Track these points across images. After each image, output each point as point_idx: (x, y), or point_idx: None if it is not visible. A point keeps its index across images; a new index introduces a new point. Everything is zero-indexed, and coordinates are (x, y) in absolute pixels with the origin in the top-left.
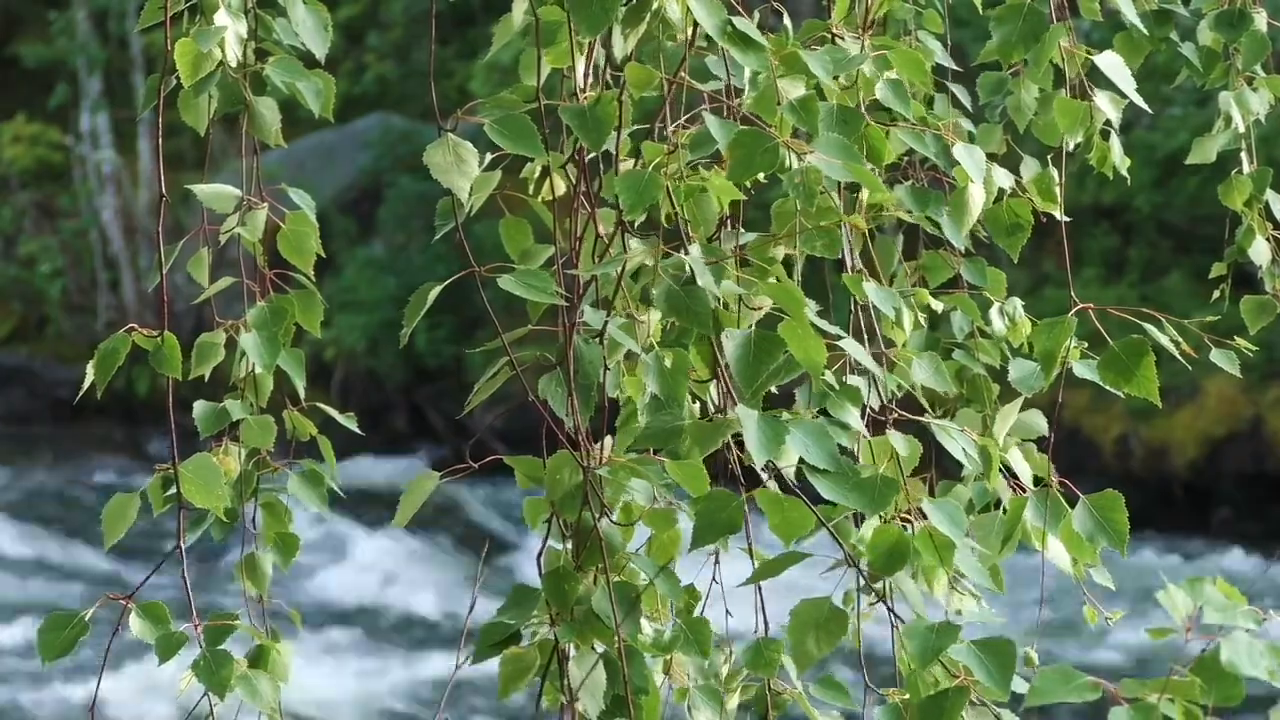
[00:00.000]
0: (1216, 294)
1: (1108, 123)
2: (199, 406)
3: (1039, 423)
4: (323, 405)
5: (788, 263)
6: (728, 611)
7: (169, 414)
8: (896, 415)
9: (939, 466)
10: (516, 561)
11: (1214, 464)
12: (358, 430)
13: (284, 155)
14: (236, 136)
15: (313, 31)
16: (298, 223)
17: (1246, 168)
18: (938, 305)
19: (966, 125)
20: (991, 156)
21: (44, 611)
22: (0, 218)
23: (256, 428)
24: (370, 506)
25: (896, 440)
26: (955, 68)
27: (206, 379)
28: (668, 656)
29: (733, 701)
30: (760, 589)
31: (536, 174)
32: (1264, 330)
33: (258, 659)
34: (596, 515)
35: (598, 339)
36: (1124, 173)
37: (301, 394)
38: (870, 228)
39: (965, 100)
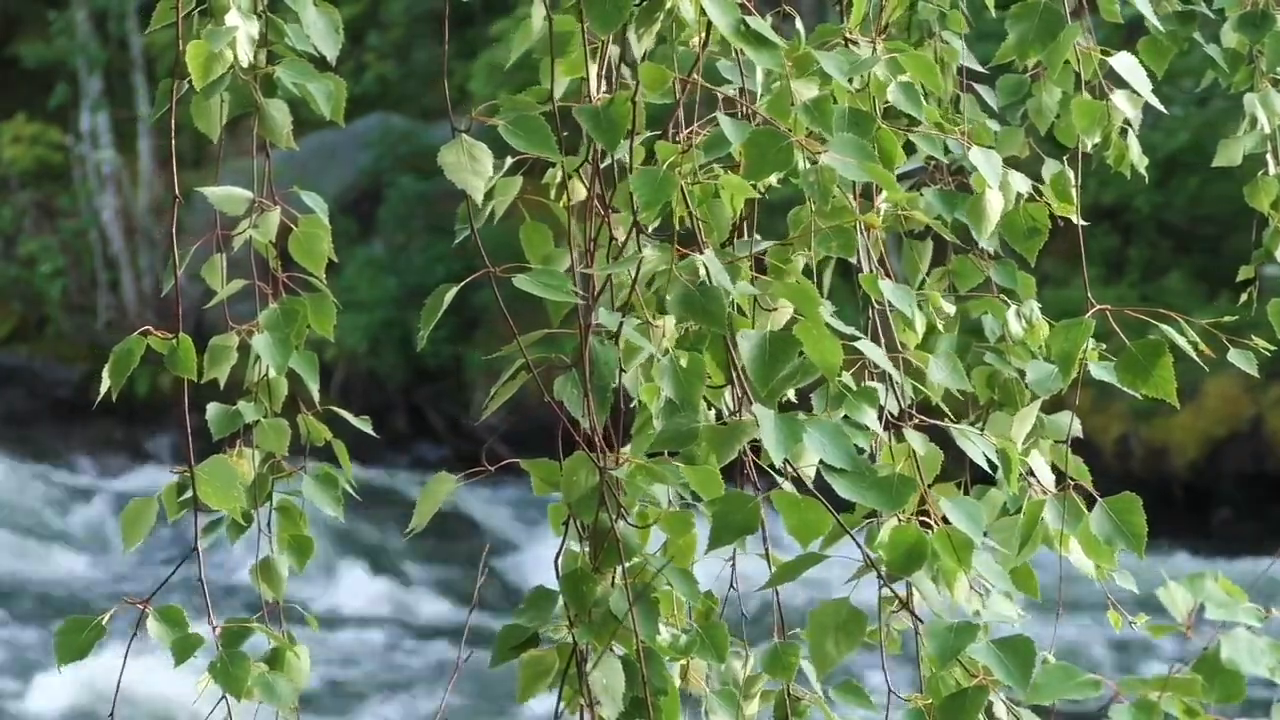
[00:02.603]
0: (1244, 297)
1: (1126, 121)
2: (212, 409)
3: (1066, 423)
4: (337, 409)
5: (808, 271)
6: (744, 615)
7: (170, 415)
8: (918, 420)
9: (973, 470)
10: (517, 562)
11: (1214, 464)
12: (372, 433)
13: (284, 155)
14: (237, 137)
15: (324, 33)
16: (310, 225)
17: (1272, 169)
18: (949, 308)
19: (994, 126)
20: (1015, 160)
21: (44, 612)
22: (0, 218)
23: (270, 431)
24: (369, 506)
25: (914, 440)
26: (981, 69)
27: (221, 384)
28: (684, 661)
29: (752, 707)
30: (777, 592)
31: (558, 179)
32: (1264, 331)
33: (274, 661)
34: (614, 517)
35: (612, 340)
36: (1142, 171)
37: (315, 397)
38: (899, 232)
39: (991, 101)
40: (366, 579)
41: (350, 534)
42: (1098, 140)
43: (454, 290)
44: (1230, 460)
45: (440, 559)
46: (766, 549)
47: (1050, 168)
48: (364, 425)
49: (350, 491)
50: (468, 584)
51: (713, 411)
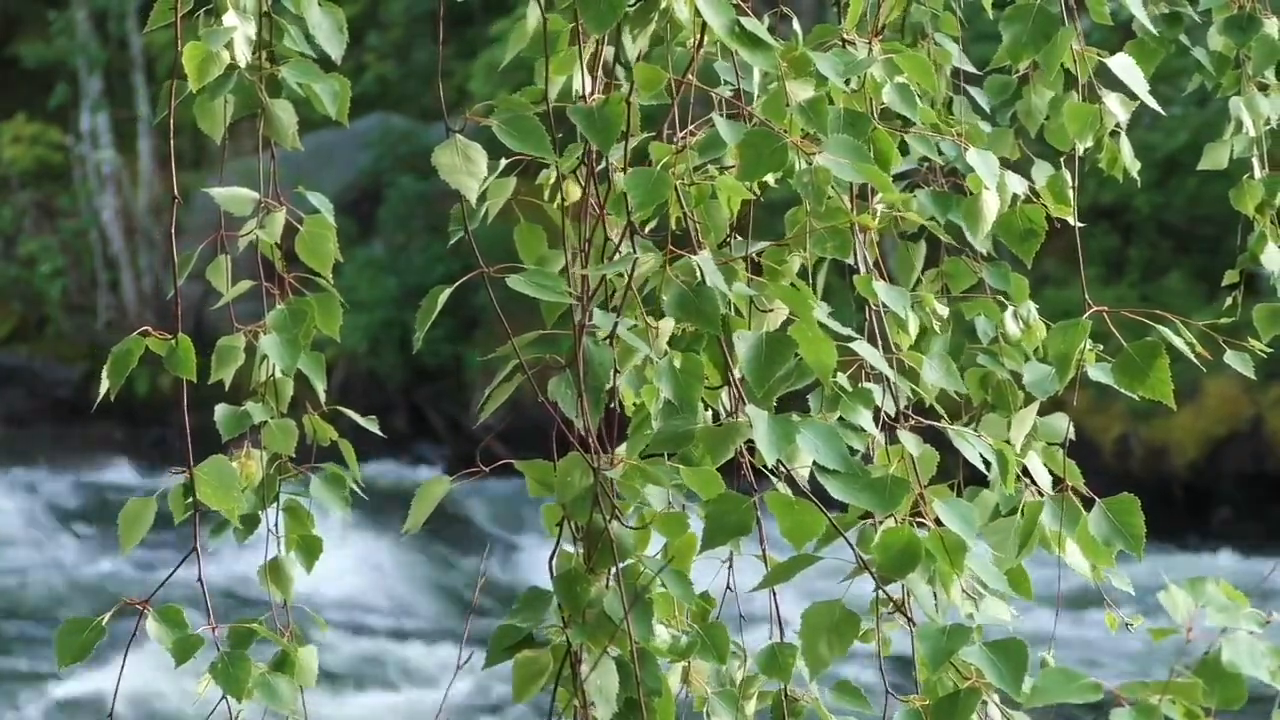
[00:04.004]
0: (1229, 301)
1: (1117, 124)
2: (220, 410)
3: (1062, 425)
4: (344, 409)
5: (803, 272)
6: (741, 616)
7: (169, 414)
8: (914, 422)
9: (967, 471)
10: (516, 561)
11: (1214, 464)
12: (379, 433)
13: (284, 156)
14: (237, 137)
15: (329, 34)
16: (316, 225)
17: (1258, 173)
18: (943, 310)
19: (986, 128)
20: (1005, 162)
21: (45, 612)
22: (0, 218)
23: (278, 432)
24: (369, 506)
25: (908, 441)
26: (974, 70)
27: (225, 384)
28: (685, 663)
29: (749, 707)
30: (774, 592)
31: (551, 180)
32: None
33: (280, 663)
34: (607, 517)
35: (607, 341)
36: (1134, 174)
37: (322, 398)
38: (892, 233)
39: (983, 103)
40: (365, 579)
41: (350, 534)
42: (1090, 143)
43: (448, 292)
44: (1230, 460)
45: (440, 558)
46: (764, 549)
47: (1040, 169)
48: (370, 425)
49: (358, 491)
50: (467, 584)
51: (709, 412)
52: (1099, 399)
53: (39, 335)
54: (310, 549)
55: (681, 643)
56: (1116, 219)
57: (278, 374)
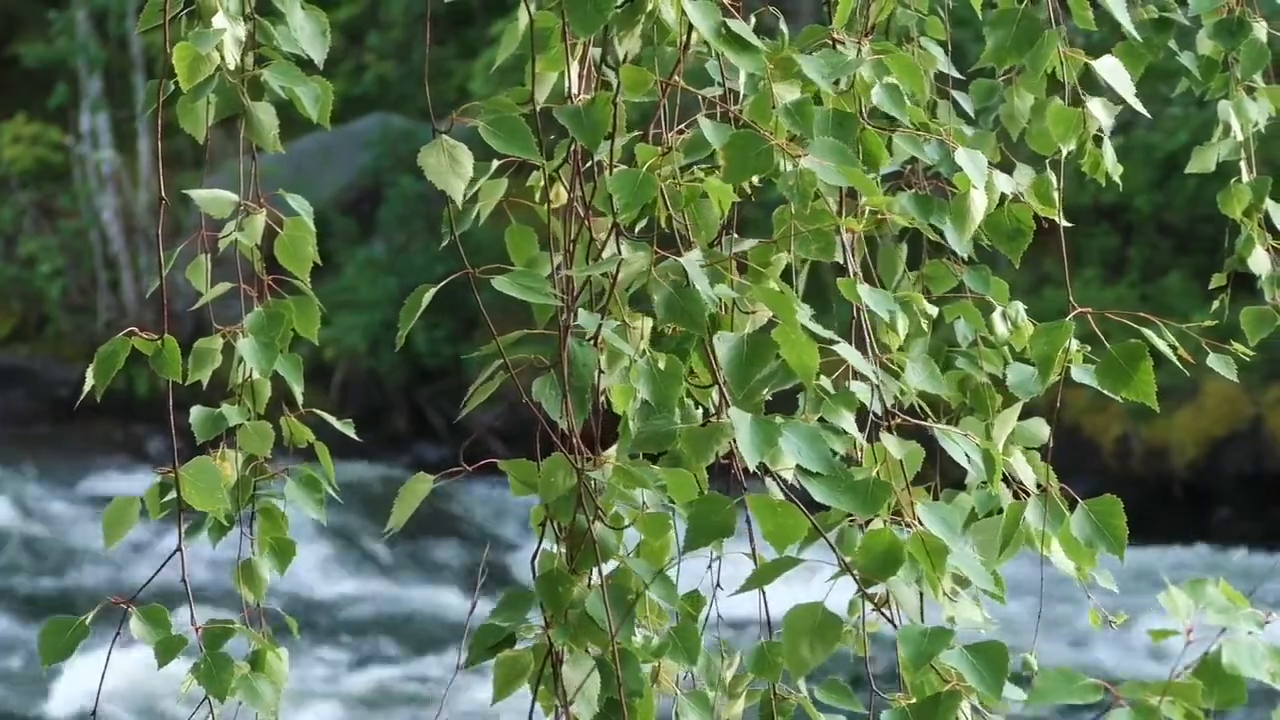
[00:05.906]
0: (1216, 304)
1: (1100, 129)
2: (195, 412)
3: (1040, 430)
4: (320, 411)
5: (788, 271)
6: (720, 616)
7: (168, 415)
8: (900, 421)
9: (943, 475)
10: (516, 562)
11: (1214, 464)
12: (355, 436)
13: (283, 155)
14: (234, 136)
15: (311, 37)
16: (295, 229)
17: (1245, 176)
18: (933, 310)
19: (969, 132)
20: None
21: (44, 611)
22: (0, 218)
23: (254, 434)
24: (369, 506)
25: (891, 444)
26: (958, 75)
27: (205, 383)
28: (656, 663)
29: (738, 706)
30: (763, 592)
31: (542, 182)
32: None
33: (255, 663)
34: (591, 518)
35: (591, 341)
36: (1116, 179)
37: (299, 400)
38: (873, 235)
39: (967, 106)
40: (363, 578)
41: (348, 534)
42: (1073, 147)
43: (432, 291)
44: (1230, 460)
45: (439, 558)
46: (754, 548)
47: (1022, 173)
48: (346, 429)
49: (333, 493)
50: (466, 583)
51: (700, 410)
52: (1099, 398)
53: (39, 335)
54: (283, 551)
55: (653, 643)
56: (1116, 219)
57: (255, 376)
